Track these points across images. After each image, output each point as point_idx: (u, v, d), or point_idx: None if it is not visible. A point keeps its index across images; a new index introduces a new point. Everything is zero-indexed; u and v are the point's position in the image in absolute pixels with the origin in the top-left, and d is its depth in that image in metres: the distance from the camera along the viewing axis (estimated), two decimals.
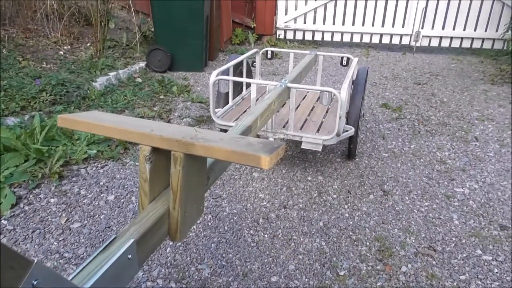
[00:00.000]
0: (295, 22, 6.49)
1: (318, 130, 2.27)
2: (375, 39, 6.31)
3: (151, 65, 4.55)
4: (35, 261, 0.61)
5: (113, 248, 0.83)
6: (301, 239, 1.85)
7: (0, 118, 2.61)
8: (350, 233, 1.91)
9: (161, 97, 3.71)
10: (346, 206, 2.12)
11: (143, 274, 1.60)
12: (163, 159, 1.00)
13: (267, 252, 1.76)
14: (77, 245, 1.74)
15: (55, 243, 1.74)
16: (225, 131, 2.41)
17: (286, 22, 6.52)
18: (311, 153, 2.69)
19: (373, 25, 6.22)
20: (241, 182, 2.32)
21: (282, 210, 2.08)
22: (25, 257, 0.60)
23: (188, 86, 4.02)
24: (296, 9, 6.42)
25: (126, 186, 2.19)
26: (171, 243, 1.78)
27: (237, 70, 2.69)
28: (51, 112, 2.92)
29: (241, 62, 2.67)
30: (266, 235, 1.87)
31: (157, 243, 0.97)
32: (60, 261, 1.65)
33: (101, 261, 0.79)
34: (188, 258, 1.71)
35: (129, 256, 0.85)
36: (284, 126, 2.29)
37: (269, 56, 2.99)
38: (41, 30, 4.85)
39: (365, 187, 2.31)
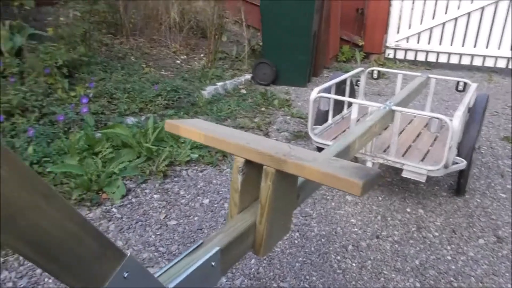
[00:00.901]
0: (407, 42, 6.17)
1: (423, 159, 2.09)
2: (501, 63, 5.66)
3: (256, 77, 4.71)
4: (128, 254, 0.65)
5: (198, 253, 0.86)
6: (393, 275, 1.71)
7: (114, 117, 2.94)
8: (451, 279, 1.71)
9: (262, 109, 3.81)
10: (449, 247, 1.91)
11: (226, 281, 1.63)
12: (256, 172, 1.01)
13: (353, 283, 1.67)
14: (171, 242, 1.85)
15: (153, 236, 1.87)
16: (321, 149, 2.37)
17: (397, 41, 6.23)
18: (412, 182, 2.50)
19: (499, 47, 5.60)
20: (333, 203, 2.25)
21: (375, 240, 1.95)
22: (120, 249, 0.65)
23: (289, 101, 4.06)
24: (409, 27, 6.09)
25: (220, 192, 2.28)
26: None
27: (340, 88, 2.64)
28: (164, 115, 3.19)
29: (344, 80, 2.62)
30: (354, 264, 1.78)
31: (240, 254, 0.98)
32: (155, 253, 1.77)
33: (186, 264, 0.82)
34: (271, 273, 1.70)
35: (213, 264, 0.86)
36: (385, 151, 2.17)
37: (375, 75, 2.87)
38: (164, 41, 5.36)
39: (475, 229, 2.05)
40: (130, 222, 1.96)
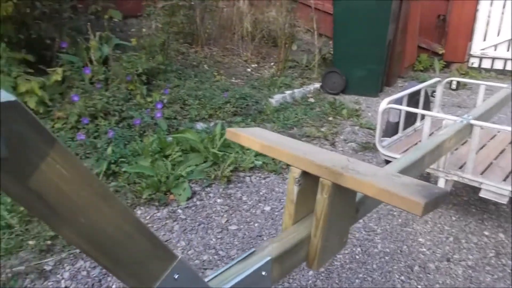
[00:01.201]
0: (495, 50, 5.68)
1: (506, 178, 1.90)
2: None
3: (326, 86, 4.65)
4: (179, 257, 0.68)
5: (250, 261, 0.86)
6: None
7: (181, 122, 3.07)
8: None
9: (330, 118, 3.74)
10: None
11: None
12: (312, 184, 0.99)
13: None
14: (230, 246, 1.89)
15: (214, 240, 1.92)
16: (390, 162, 2.26)
17: (483, 49, 5.76)
18: (493, 203, 2.28)
19: None
20: (400, 220, 2.13)
21: (445, 262, 1.81)
22: (172, 251, 0.67)
23: (358, 111, 3.95)
24: (498, 34, 5.61)
25: (282, 200, 2.28)
26: None
27: (413, 99, 2.50)
28: (231, 122, 3.28)
29: (418, 91, 2.48)
30: (419, 287, 1.66)
31: (293, 265, 0.97)
32: (215, 256, 1.81)
33: (236, 271, 0.83)
34: (326, 284, 1.65)
35: (263, 273, 0.86)
36: (461, 167, 2.01)
37: (453, 86, 2.68)
38: (236, 50, 5.51)
39: None
40: (194, 224, 2.03)
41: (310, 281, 1.68)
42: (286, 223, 1.03)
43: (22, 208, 1.96)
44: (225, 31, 5.58)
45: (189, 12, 5.00)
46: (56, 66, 3.14)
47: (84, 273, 1.68)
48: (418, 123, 2.57)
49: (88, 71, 3.13)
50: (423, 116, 2.55)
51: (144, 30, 4.12)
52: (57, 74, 3.06)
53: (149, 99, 3.21)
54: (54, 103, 2.87)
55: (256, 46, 5.46)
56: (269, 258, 0.88)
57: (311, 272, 1.73)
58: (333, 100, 4.16)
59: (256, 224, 2.05)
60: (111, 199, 0.57)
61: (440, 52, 6.04)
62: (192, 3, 4.90)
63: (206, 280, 0.78)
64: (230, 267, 0.85)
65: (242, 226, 2.03)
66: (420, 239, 1.97)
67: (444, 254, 1.86)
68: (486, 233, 2.02)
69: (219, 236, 1.95)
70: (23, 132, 0.45)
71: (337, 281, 1.69)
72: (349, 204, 1.01)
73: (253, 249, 0.90)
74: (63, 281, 1.63)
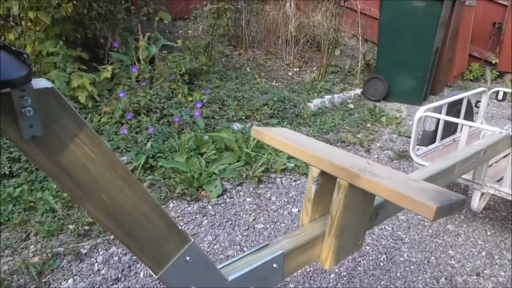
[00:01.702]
0: None
1: None
2: None
3: (367, 93, 4.58)
4: (192, 241, 0.73)
5: (262, 253, 0.91)
6: None
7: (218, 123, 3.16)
8: None
9: (368, 125, 3.69)
10: None
11: None
12: (330, 184, 1.02)
13: None
14: (255, 244, 1.93)
15: (240, 236, 1.98)
16: None
17: None
18: None
19: None
20: (431, 231, 2.08)
21: (474, 277, 1.75)
22: (185, 234, 0.73)
23: (398, 118, 3.86)
24: None
25: None
26: (337, 269, 1.76)
27: (455, 108, 2.43)
28: (268, 124, 3.33)
29: (460, 100, 2.41)
30: None
31: (305, 262, 1.00)
32: (239, 252, 1.87)
33: (248, 261, 0.88)
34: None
35: (275, 265, 0.90)
36: (498, 181, 1.93)
37: (500, 97, 2.57)
38: (279, 53, 5.56)
39: None
40: (222, 220, 2.10)
41: (331, 284, 1.69)
42: (303, 221, 1.06)
43: (65, 195, 2.11)
44: (269, 34, 5.64)
45: (235, 15, 5.12)
46: (107, 64, 3.34)
47: (116, 258, 1.79)
48: (458, 134, 2.49)
49: (135, 69, 3.30)
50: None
51: (190, 32, 4.27)
52: (107, 72, 3.26)
53: (189, 98, 3.34)
54: (102, 98, 3.06)
55: (299, 50, 5.48)
56: (281, 252, 0.91)
57: (332, 275, 1.74)
58: (373, 107, 4.10)
59: (282, 225, 2.09)
60: (132, 182, 0.64)
61: (493, 62, 5.76)
62: (239, 6, 5.01)
63: (218, 267, 0.83)
64: (242, 257, 0.89)
65: (268, 226, 2.07)
66: (450, 252, 1.91)
67: (475, 268, 1.80)
68: None
69: (245, 234, 2.00)
70: (57, 115, 0.52)
71: (358, 286, 1.68)
72: (366, 207, 1.02)
73: (266, 242, 0.95)
74: (96, 264, 1.75)
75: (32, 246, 1.81)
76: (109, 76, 3.26)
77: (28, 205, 2.02)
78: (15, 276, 1.62)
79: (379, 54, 4.57)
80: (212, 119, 3.18)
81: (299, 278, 1.71)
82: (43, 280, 1.62)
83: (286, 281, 1.68)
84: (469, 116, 2.58)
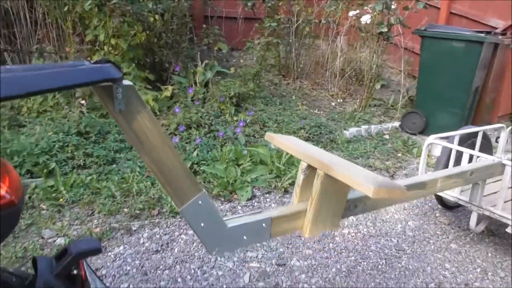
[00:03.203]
0: None
1: None
2: None
3: (405, 126, 4.79)
4: (204, 191, 1.12)
5: (256, 216, 1.27)
6: None
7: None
8: None
9: (399, 155, 3.91)
10: None
11: (304, 277, 1.95)
12: (313, 174, 1.36)
13: None
14: (273, 240, 2.26)
15: None
16: (440, 198, 2.46)
17: None
18: None
19: None
20: (433, 247, 2.29)
21: (462, 286, 1.95)
22: (200, 186, 1.12)
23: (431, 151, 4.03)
24: None
25: None
26: (338, 266, 2.04)
27: (469, 140, 2.64)
28: None
29: (476, 133, 2.62)
30: None
31: (290, 229, 1.34)
32: (259, 246, 2.21)
33: (245, 219, 1.24)
34: (345, 284, 1.92)
35: (264, 225, 1.26)
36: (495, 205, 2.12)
37: None
38: (325, 85, 5.92)
39: None
40: None
41: (331, 275, 1.97)
42: (294, 201, 1.41)
43: (124, 184, 2.60)
44: (318, 67, 6.05)
45: (286, 48, 5.60)
46: (169, 85, 3.92)
47: (158, 236, 2.21)
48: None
49: (191, 90, 3.84)
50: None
51: (242, 61, 4.80)
52: (167, 91, 3.83)
53: (235, 118, 3.79)
54: (162, 113, 3.61)
55: (345, 83, 5.81)
56: (270, 216, 1.27)
57: (333, 269, 2.02)
58: (406, 139, 4.30)
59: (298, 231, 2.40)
60: (171, 147, 1.04)
61: None
62: (290, 40, 5.49)
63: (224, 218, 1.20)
64: (241, 216, 1.26)
65: None
66: (447, 265, 2.12)
67: (465, 280, 2.00)
68: None
69: None
70: (132, 99, 0.95)
71: (354, 280, 1.95)
72: (340, 194, 1.35)
73: (260, 210, 1.31)
74: (142, 238, 2.18)
75: (95, 220, 2.30)
76: (169, 95, 3.84)
77: (95, 190, 2.53)
78: (81, 239, 2.10)
79: (418, 89, 4.78)
80: (253, 137, 3.59)
81: (305, 269, 2.02)
82: (102, 244, 2.08)
83: (295, 271, 1.99)
84: (486, 150, 2.76)
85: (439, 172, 1.77)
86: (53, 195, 2.42)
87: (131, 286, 1.81)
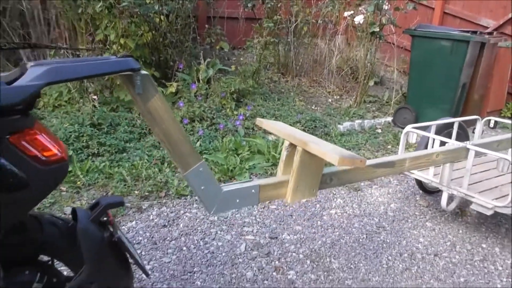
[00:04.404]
0: None
1: (498, 198, 2.25)
2: None
3: (397, 121, 5.05)
4: (203, 160, 1.40)
5: (247, 183, 1.55)
6: (432, 281, 1.99)
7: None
8: None
9: (389, 147, 4.17)
10: (505, 280, 2.03)
11: (293, 248, 2.22)
12: (294, 151, 1.64)
13: (392, 276, 2.02)
14: (267, 217, 2.53)
15: (256, 212, 2.60)
16: (419, 181, 2.73)
17: None
18: (506, 228, 2.55)
19: None
20: (410, 224, 2.56)
21: (432, 256, 2.22)
22: (200, 156, 1.40)
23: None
24: None
25: (322, 194, 2.85)
26: (324, 239, 2.31)
27: (446, 130, 2.90)
28: None
29: (452, 124, 2.88)
30: (400, 266, 2.12)
31: (275, 196, 1.62)
32: (254, 221, 2.48)
33: (238, 185, 1.52)
34: (329, 253, 2.20)
35: (253, 191, 1.53)
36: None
37: (491, 125, 2.99)
38: (323, 82, 6.18)
39: None
40: None
41: (316, 246, 2.25)
42: (278, 174, 1.69)
43: (134, 170, 2.89)
44: (316, 65, 6.31)
45: (285, 47, 5.86)
46: (173, 82, 4.21)
47: (165, 214, 2.50)
48: None
49: (194, 87, 4.12)
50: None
51: (242, 59, 5.08)
52: (172, 87, 4.12)
53: (235, 112, 4.07)
54: None
55: (342, 80, 6.07)
56: (258, 184, 1.55)
57: (319, 242, 2.29)
58: (397, 132, 4.56)
59: (291, 208, 2.68)
60: (176, 122, 1.32)
61: None
62: (289, 40, 5.75)
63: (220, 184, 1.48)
64: (234, 183, 1.54)
65: (280, 207, 2.68)
66: (421, 239, 2.39)
67: (435, 251, 2.26)
68: (483, 245, 2.35)
69: (261, 211, 2.62)
70: (147, 84, 1.22)
71: (337, 251, 2.22)
72: (317, 167, 1.62)
73: (250, 179, 1.58)
74: (151, 215, 2.46)
75: None
76: (174, 91, 4.12)
77: (108, 175, 2.82)
78: None
79: (409, 86, 5.04)
80: (251, 129, 3.87)
81: (294, 242, 2.29)
82: (116, 220, 2.36)
83: (285, 243, 2.27)
84: (462, 139, 3.02)
85: (408, 153, 2.03)
86: (71, 178, 2.70)
87: (143, 252, 2.09)
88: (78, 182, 2.68)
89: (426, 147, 2.78)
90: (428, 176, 2.46)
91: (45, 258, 1.22)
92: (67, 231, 1.17)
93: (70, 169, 2.76)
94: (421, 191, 3.03)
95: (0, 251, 1.05)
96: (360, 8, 5.23)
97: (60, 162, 1.02)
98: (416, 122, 4.92)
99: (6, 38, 3.96)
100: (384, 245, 2.31)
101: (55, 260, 1.23)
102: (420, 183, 2.94)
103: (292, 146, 1.65)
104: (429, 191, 3.00)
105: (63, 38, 4.20)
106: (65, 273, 1.31)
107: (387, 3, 4.82)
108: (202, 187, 1.41)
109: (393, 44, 5.83)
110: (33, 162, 0.97)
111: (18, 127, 0.96)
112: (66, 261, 1.23)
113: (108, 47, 3.93)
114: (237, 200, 1.51)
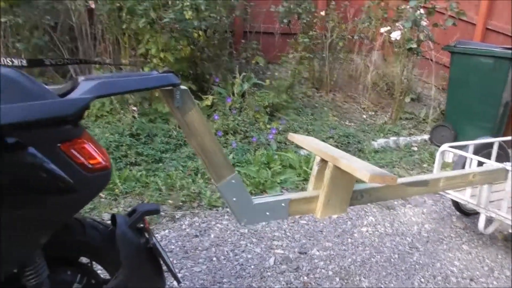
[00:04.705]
0: None
1: None
2: None
3: (434, 139, 4.92)
4: (236, 172, 1.44)
5: (278, 197, 1.57)
6: None
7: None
8: None
9: (424, 165, 4.07)
10: None
11: (323, 265, 2.21)
12: (325, 166, 1.65)
13: None
14: (297, 232, 2.54)
15: (286, 225, 2.61)
16: (455, 202, 2.65)
17: None
18: None
19: None
20: (445, 246, 2.48)
21: (468, 280, 2.14)
22: (233, 168, 1.44)
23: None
24: None
25: (352, 212, 2.83)
26: (354, 257, 2.29)
27: (485, 150, 2.81)
28: None
29: (492, 144, 2.78)
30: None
31: (305, 211, 1.63)
32: (283, 235, 2.49)
33: (268, 198, 1.55)
34: (359, 271, 2.17)
35: (283, 204, 1.56)
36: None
37: None
38: (358, 98, 6.13)
39: None
40: None
41: (346, 264, 2.23)
42: (308, 189, 1.70)
43: (169, 180, 2.98)
44: (351, 80, 6.28)
45: (320, 62, 5.88)
46: (209, 95, 4.32)
47: (197, 224, 2.56)
48: None
49: (229, 100, 4.22)
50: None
51: (276, 74, 5.15)
52: (208, 100, 4.23)
53: (268, 126, 4.12)
54: None
55: (377, 96, 6.00)
56: (289, 198, 1.57)
57: (349, 259, 2.27)
58: (433, 151, 4.44)
59: (321, 224, 2.67)
60: (212, 135, 1.37)
61: None
62: (324, 55, 5.77)
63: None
64: (265, 196, 1.57)
65: (310, 223, 2.67)
66: (456, 262, 2.31)
67: (471, 276, 2.18)
68: None
69: (291, 225, 2.63)
70: (186, 98, 1.28)
71: (367, 269, 2.19)
72: (347, 183, 1.62)
73: (280, 192, 1.61)
74: (183, 225, 2.53)
75: None
76: (209, 104, 4.23)
77: (144, 184, 2.92)
78: None
79: (448, 103, 4.92)
80: (284, 143, 3.90)
81: (324, 258, 2.28)
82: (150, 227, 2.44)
83: (315, 259, 2.26)
84: (503, 160, 2.91)
85: (443, 173, 1.99)
86: (110, 186, 2.82)
87: (175, 261, 2.15)
88: (116, 190, 2.80)
89: (463, 167, 2.71)
90: (464, 197, 2.39)
91: (84, 260, 1.30)
92: (106, 235, 1.24)
93: None
94: (457, 213, 2.93)
95: (47, 250, 1.13)
96: (397, 24, 5.19)
97: (104, 170, 1.09)
98: (454, 140, 4.78)
99: (57, 52, 4.23)
100: (416, 266, 2.26)
101: (93, 262, 1.30)
102: (456, 204, 2.85)
103: (323, 162, 1.66)
104: (467, 213, 2.90)
105: (108, 52, 4.43)
106: (102, 275, 1.38)
107: (425, 19, 4.75)
108: (234, 199, 1.45)
109: (431, 60, 5.71)
110: (80, 169, 1.05)
111: (68, 136, 1.04)
112: (104, 264, 1.30)
113: (148, 60, 4.11)
114: (267, 213, 1.54)
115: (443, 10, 5.05)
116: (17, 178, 0.97)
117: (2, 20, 3.79)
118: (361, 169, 1.41)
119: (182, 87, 1.27)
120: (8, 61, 1.09)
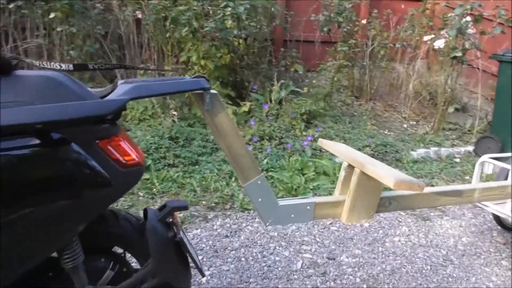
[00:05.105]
0: None
1: None
2: None
3: (479, 151, 4.71)
4: (263, 173, 1.49)
5: (303, 199, 1.61)
6: None
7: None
8: None
9: (466, 177, 3.91)
10: None
11: (351, 271, 2.20)
12: (352, 172, 1.66)
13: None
14: (327, 238, 2.54)
15: (316, 231, 2.62)
16: (496, 216, 2.55)
17: None
18: None
19: None
20: (483, 261, 2.39)
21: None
22: (260, 169, 1.49)
23: None
24: None
25: (381, 219, 2.79)
26: (383, 265, 2.26)
27: None
28: None
29: None
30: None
31: (330, 214, 1.65)
32: (313, 240, 2.50)
33: (294, 201, 1.59)
34: (389, 281, 2.14)
35: (308, 207, 1.59)
36: None
37: None
38: (398, 107, 6.00)
39: None
40: None
41: (375, 272, 2.20)
42: (335, 194, 1.72)
43: (204, 182, 3.08)
44: (392, 89, 6.15)
45: (360, 70, 5.83)
46: (247, 101, 4.42)
47: (228, 225, 2.63)
48: None
49: (266, 107, 4.29)
50: None
51: (315, 81, 5.16)
52: (245, 106, 4.32)
53: (304, 133, 4.14)
54: (239, 125, 4.09)
55: (419, 105, 5.85)
56: (314, 201, 1.60)
57: (379, 268, 2.24)
58: None
59: (352, 231, 2.65)
60: (240, 137, 1.44)
61: None
62: (364, 63, 5.72)
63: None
64: (291, 198, 1.60)
65: (340, 229, 2.66)
66: (493, 278, 2.21)
67: None
68: None
69: (321, 230, 2.64)
70: (215, 102, 1.36)
71: (397, 279, 2.16)
72: (374, 189, 1.62)
73: (307, 196, 1.64)
74: (215, 225, 2.61)
75: None
76: (247, 110, 4.32)
77: (181, 185, 3.05)
78: None
79: (495, 114, 4.70)
80: (319, 151, 3.90)
81: (352, 265, 2.27)
82: (183, 226, 2.55)
83: (343, 265, 2.26)
84: None
85: (478, 184, 1.93)
86: (148, 185, 2.97)
87: (204, 259, 2.23)
88: (154, 189, 2.93)
89: (505, 180, 2.60)
90: (504, 210, 2.29)
91: (119, 250, 1.39)
92: (138, 228, 1.33)
93: (147, 177, 3.04)
94: (499, 227, 2.80)
95: (84, 238, 1.23)
96: (442, 32, 5.05)
97: (137, 166, 1.18)
98: (501, 152, 4.55)
99: (106, 58, 4.50)
100: (449, 279, 2.19)
101: (126, 253, 1.40)
102: (497, 218, 2.73)
103: (350, 167, 1.68)
104: (508, 228, 2.77)
105: (152, 59, 4.66)
106: (133, 264, 1.48)
107: (472, 27, 4.60)
108: (260, 199, 1.50)
109: (478, 68, 5.49)
110: (116, 164, 1.14)
111: (106, 134, 1.14)
112: (135, 254, 1.40)
113: (189, 67, 4.28)
114: (292, 215, 1.57)
115: (492, 17, 4.85)
116: (60, 172, 1.08)
117: (58, 29, 4.10)
118: (386, 175, 1.42)
119: (212, 91, 1.35)
120: (57, 65, 1.21)
